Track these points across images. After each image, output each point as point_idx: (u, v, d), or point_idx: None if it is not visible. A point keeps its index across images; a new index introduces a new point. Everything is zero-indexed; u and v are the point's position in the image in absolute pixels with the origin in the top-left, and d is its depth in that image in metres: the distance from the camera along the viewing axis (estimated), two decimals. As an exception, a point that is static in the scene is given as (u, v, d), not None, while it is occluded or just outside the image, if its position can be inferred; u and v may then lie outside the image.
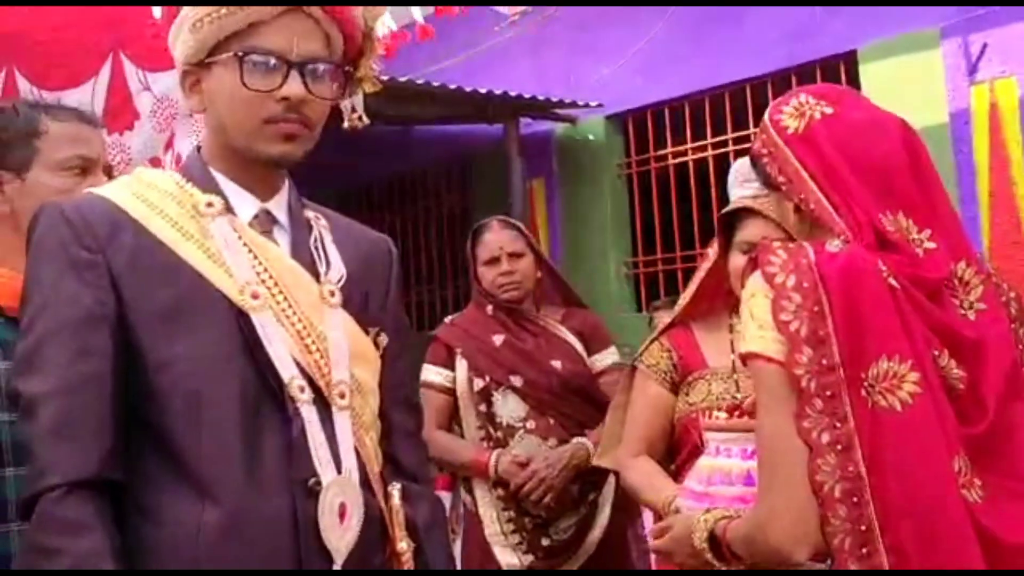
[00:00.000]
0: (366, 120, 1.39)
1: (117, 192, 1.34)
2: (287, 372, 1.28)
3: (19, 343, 1.27)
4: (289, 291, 1.32)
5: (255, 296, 1.29)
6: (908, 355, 1.27)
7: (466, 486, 2.88)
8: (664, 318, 4.31)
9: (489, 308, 2.89)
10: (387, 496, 1.37)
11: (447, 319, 3.01)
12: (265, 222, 1.38)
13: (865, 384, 1.26)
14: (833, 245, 1.33)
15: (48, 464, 1.19)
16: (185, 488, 1.23)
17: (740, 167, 2.15)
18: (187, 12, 1.30)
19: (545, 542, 2.74)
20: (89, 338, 1.23)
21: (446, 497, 5.31)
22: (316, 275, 1.37)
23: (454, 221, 6.91)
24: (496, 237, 2.89)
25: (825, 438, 1.26)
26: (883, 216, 1.34)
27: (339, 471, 1.28)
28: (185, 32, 1.31)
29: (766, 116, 1.45)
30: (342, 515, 1.27)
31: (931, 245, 1.34)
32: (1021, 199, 4.24)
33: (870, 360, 1.27)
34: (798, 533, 1.28)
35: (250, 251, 1.32)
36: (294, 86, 1.30)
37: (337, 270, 1.39)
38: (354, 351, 1.36)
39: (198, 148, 1.41)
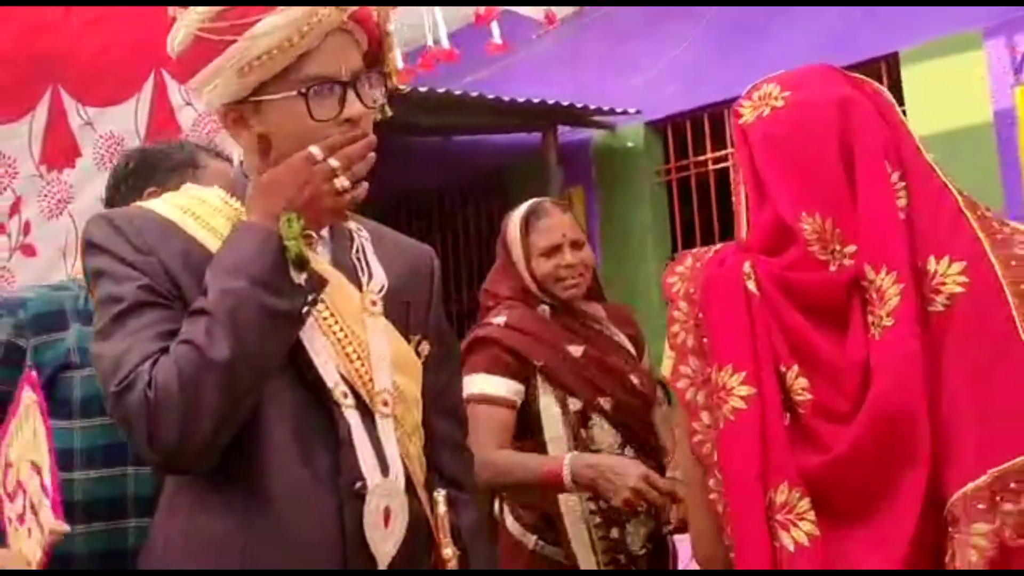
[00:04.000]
0: (389, 112, 1.40)
1: (163, 206, 1.36)
2: (330, 379, 1.29)
3: (97, 324, 1.28)
4: (331, 300, 1.33)
5: None
6: (743, 367, 1.15)
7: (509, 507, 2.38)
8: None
9: (544, 309, 2.39)
10: (432, 503, 1.37)
11: (494, 320, 2.39)
12: (308, 235, 1.38)
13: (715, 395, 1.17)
14: (729, 247, 1.26)
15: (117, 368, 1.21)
16: (238, 483, 1.25)
17: None
18: (231, 56, 1.29)
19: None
20: (166, 305, 1.25)
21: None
22: (358, 285, 1.38)
23: (493, 231, 6.90)
24: (557, 222, 2.41)
25: (715, 456, 1.17)
26: (804, 215, 1.20)
27: (384, 475, 1.29)
28: (229, 76, 1.30)
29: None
30: (387, 519, 1.28)
31: (849, 263, 1.19)
32: (1070, 200, 4.16)
33: (710, 369, 1.18)
34: (714, 553, 1.22)
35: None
36: (355, 107, 1.31)
37: (379, 280, 1.40)
38: (396, 360, 1.37)
39: (240, 163, 1.43)
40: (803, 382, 1.15)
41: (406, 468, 1.34)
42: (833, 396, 1.15)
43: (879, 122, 1.24)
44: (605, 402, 2.30)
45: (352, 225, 1.44)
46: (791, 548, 1.11)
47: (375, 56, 1.39)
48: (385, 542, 1.28)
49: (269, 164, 1.34)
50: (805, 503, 1.12)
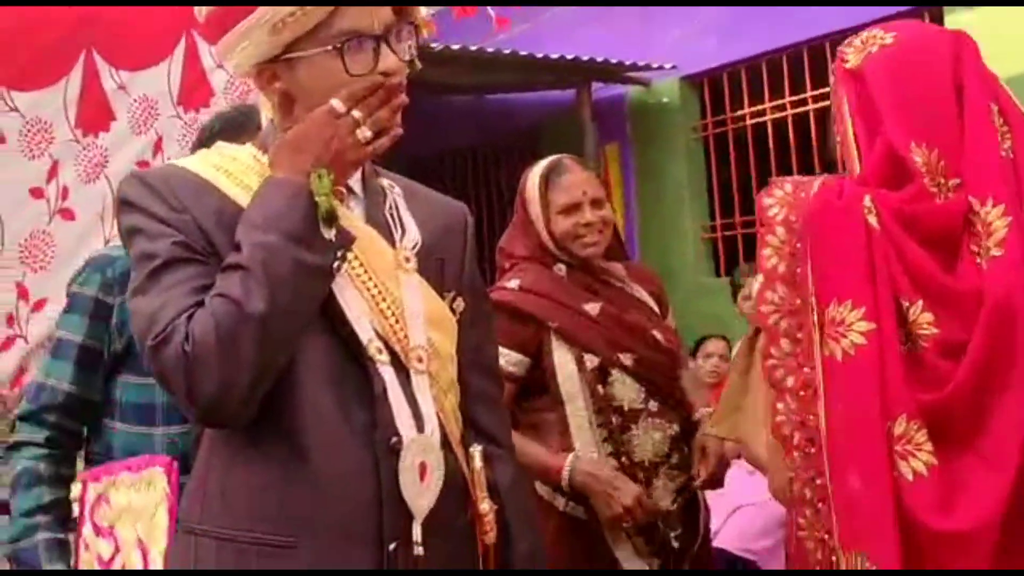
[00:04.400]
0: (419, 65, 1.38)
1: (196, 164, 1.36)
2: (365, 335, 1.29)
3: (134, 280, 1.29)
4: (365, 256, 1.33)
5: None
6: (863, 302, 1.16)
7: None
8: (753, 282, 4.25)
9: (561, 268, 2.33)
10: (468, 458, 1.38)
11: (507, 284, 2.33)
12: (341, 191, 1.37)
13: (824, 329, 1.18)
14: (836, 179, 1.26)
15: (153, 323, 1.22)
16: (275, 438, 1.26)
17: None
18: (263, 15, 1.28)
19: (674, 539, 2.25)
20: (201, 260, 1.26)
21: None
22: (392, 242, 1.37)
23: (528, 189, 6.88)
24: (578, 179, 2.35)
25: (789, 381, 1.20)
26: (914, 146, 1.21)
27: (420, 431, 1.29)
28: (262, 34, 1.29)
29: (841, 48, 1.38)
30: (423, 475, 1.29)
31: (953, 196, 1.22)
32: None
33: (826, 303, 1.18)
34: (783, 483, 1.26)
35: None
36: (389, 60, 1.30)
37: (412, 236, 1.39)
38: (430, 316, 1.36)
39: (271, 120, 1.42)
40: (928, 316, 1.17)
41: (441, 424, 1.34)
42: (955, 328, 1.17)
43: (984, 66, 1.27)
44: (626, 358, 2.26)
45: (384, 182, 1.44)
46: (910, 477, 1.13)
47: (403, 9, 1.37)
48: (422, 497, 1.28)
49: (293, 120, 1.33)
50: (922, 435, 1.14)
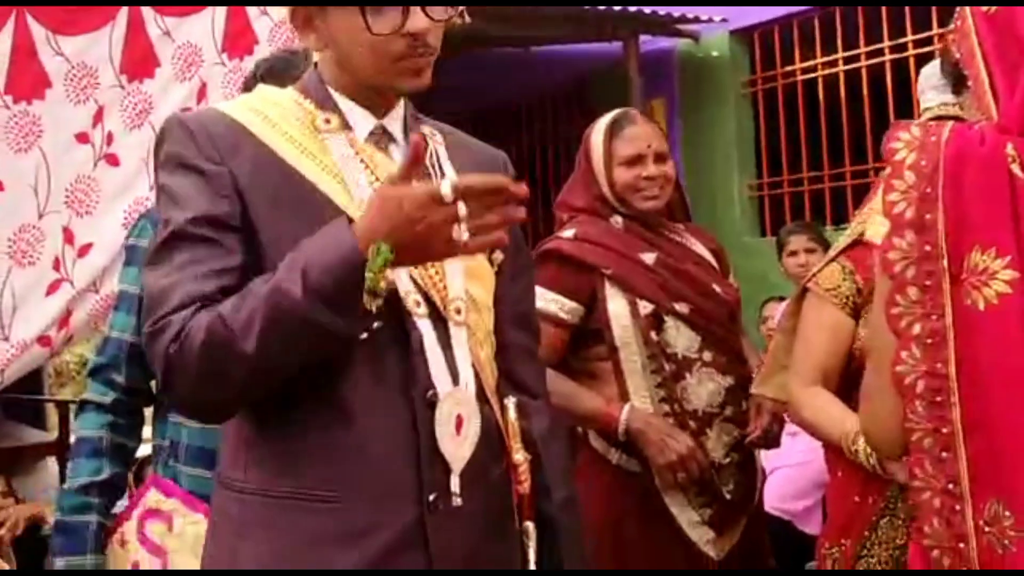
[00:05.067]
0: (467, 19, 1.35)
1: (237, 109, 1.35)
2: (403, 287, 1.29)
3: (150, 247, 1.30)
4: None
5: None
6: (1007, 250, 1.13)
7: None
8: (804, 243, 4.20)
9: (618, 220, 2.34)
10: (503, 409, 1.38)
11: (563, 234, 2.35)
12: (381, 138, 1.38)
13: (962, 277, 1.15)
14: (978, 125, 1.21)
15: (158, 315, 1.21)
16: (314, 396, 1.26)
17: (935, 68, 1.97)
18: None
19: (727, 492, 2.25)
20: (216, 237, 1.25)
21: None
22: None
23: (572, 144, 6.82)
24: (643, 132, 2.35)
25: (916, 329, 1.16)
26: None
27: (456, 383, 1.30)
28: None
29: None
30: (458, 427, 1.29)
31: None
32: None
33: (965, 250, 1.15)
34: (891, 434, 1.23)
35: (367, 167, 1.33)
36: (418, 20, 1.28)
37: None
38: (469, 267, 1.36)
39: (315, 65, 1.41)
40: None
41: (477, 376, 1.34)
42: None
43: None
44: (681, 306, 2.26)
45: (427, 130, 1.42)
46: None
47: None
48: (459, 447, 1.29)
49: (346, 73, 1.33)
50: None
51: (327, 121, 1.34)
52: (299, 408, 1.27)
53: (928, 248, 1.16)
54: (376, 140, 1.37)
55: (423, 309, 1.29)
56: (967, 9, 1.28)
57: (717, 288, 2.34)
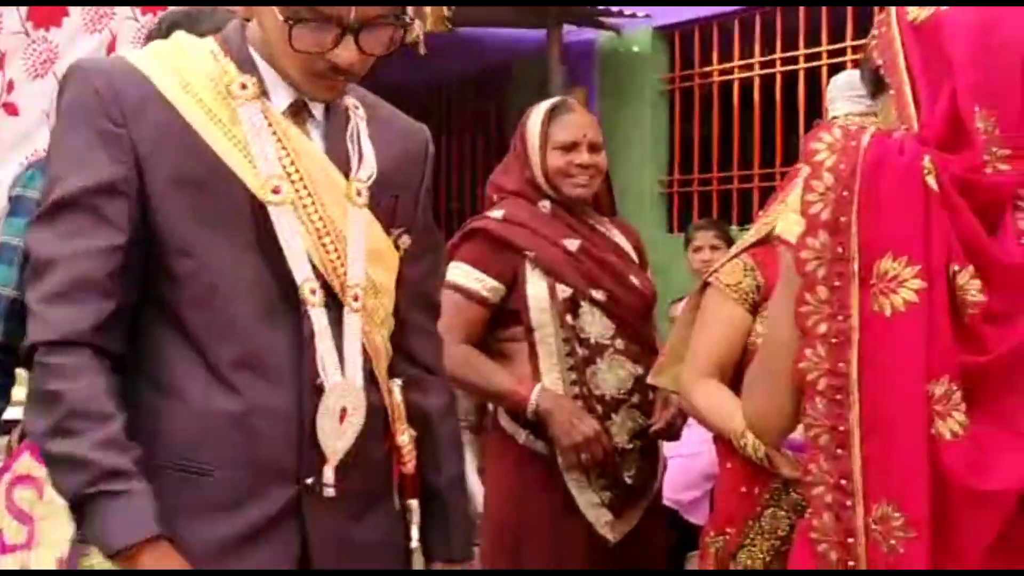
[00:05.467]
0: (423, 50, 1.33)
1: (150, 62, 1.29)
2: (300, 273, 1.28)
3: (40, 205, 1.27)
4: (315, 187, 1.30)
5: (276, 191, 1.27)
6: (918, 260, 1.16)
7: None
8: (710, 240, 4.28)
9: (545, 204, 2.38)
10: (390, 392, 1.38)
11: (491, 214, 2.40)
12: (300, 112, 1.34)
13: (871, 282, 1.18)
14: (898, 133, 1.24)
15: (46, 321, 1.22)
16: (201, 371, 1.26)
17: (848, 79, 2.02)
18: None
19: (627, 476, 2.32)
20: (107, 209, 1.22)
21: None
22: (348, 170, 1.34)
23: (489, 127, 6.83)
24: (580, 120, 2.40)
25: (822, 328, 1.19)
26: (979, 111, 1.20)
27: (344, 373, 1.29)
28: None
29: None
30: (342, 418, 1.29)
31: (1003, 167, 1.21)
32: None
33: (876, 256, 1.18)
34: (773, 424, 1.29)
35: (279, 141, 1.29)
36: (345, 54, 1.24)
37: (368, 167, 1.36)
38: (372, 252, 1.35)
39: (240, 20, 1.35)
40: (977, 283, 1.17)
41: (370, 360, 1.34)
42: (1000, 299, 1.18)
43: None
44: (598, 293, 2.32)
45: (350, 102, 1.39)
46: (948, 436, 1.15)
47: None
48: (340, 439, 1.29)
49: (255, 38, 1.29)
50: (958, 396, 1.16)
51: (243, 86, 1.29)
52: (186, 374, 1.26)
53: (840, 250, 1.19)
54: (294, 113, 1.33)
55: (319, 297, 1.28)
56: (892, 17, 1.29)
57: (635, 280, 2.40)
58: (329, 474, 1.28)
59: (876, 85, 1.33)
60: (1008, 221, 1.21)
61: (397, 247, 1.40)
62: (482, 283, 2.33)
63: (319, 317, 1.28)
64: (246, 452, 1.25)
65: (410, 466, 1.40)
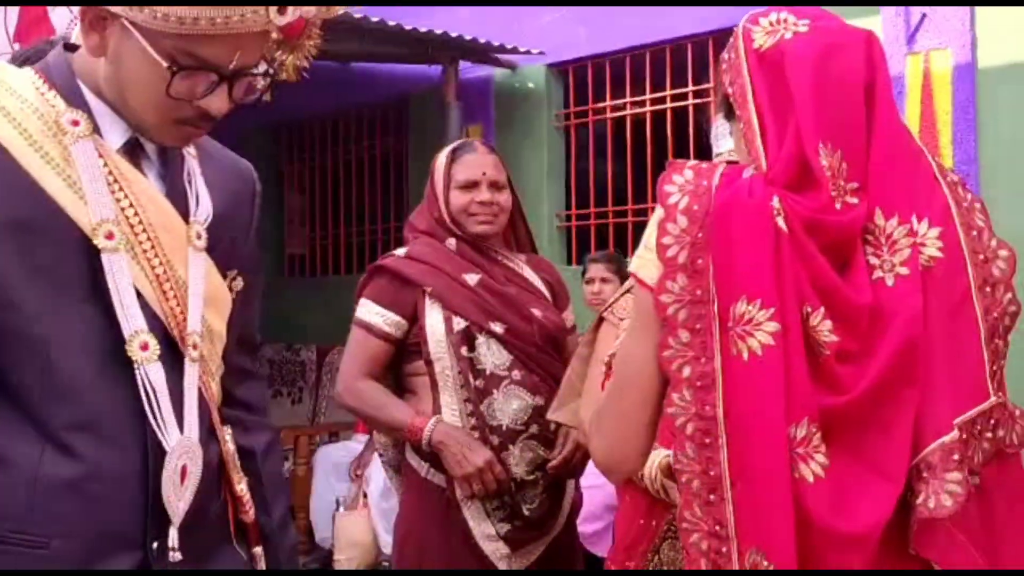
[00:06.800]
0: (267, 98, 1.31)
1: None
2: (130, 326, 1.21)
3: None
4: (154, 230, 1.25)
5: (110, 236, 1.20)
6: (771, 303, 1.15)
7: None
8: (601, 272, 4.33)
9: (451, 242, 2.46)
10: (223, 440, 1.36)
11: (396, 252, 2.50)
12: (135, 150, 1.28)
13: (728, 324, 1.17)
14: (747, 172, 1.23)
15: None
16: (32, 434, 1.18)
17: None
18: None
19: (527, 509, 2.35)
20: None
21: (362, 440, 5.31)
22: (185, 212, 1.30)
23: (388, 163, 6.80)
24: (480, 160, 2.49)
25: (686, 372, 1.18)
26: (822, 147, 1.19)
27: (183, 429, 1.25)
28: None
29: (740, 24, 1.31)
30: (183, 477, 1.24)
31: (852, 200, 1.20)
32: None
33: (732, 300, 1.17)
34: (623, 463, 1.29)
35: (116, 182, 1.23)
36: (217, 101, 1.21)
37: (205, 209, 1.32)
38: (209, 296, 1.31)
39: (66, 47, 1.28)
40: (828, 324, 1.17)
41: (208, 412, 1.31)
42: (852, 339, 1.17)
43: (888, 72, 1.27)
44: (496, 325, 2.37)
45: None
46: (810, 479, 1.15)
47: (277, 49, 1.27)
48: (180, 499, 1.24)
49: (112, 88, 1.22)
50: (818, 437, 1.15)
51: (74, 123, 1.20)
52: (12, 436, 1.17)
53: (699, 292, 1.18)
54: (128, 151, 1.26)
55: (151, 351, 1.21)
56: (740, 43, 1.28)
57: (537, 312, 2.44)
58: (174, 535, 1.22)
59: (728, 110, 1.32)
60: (859, 259, 1.20)
61: (231, 289, 1.36)
62: (384, 318, 2.40)
63: (154, 372, 1.22)
64: (86, 520, 1.18)
65: (251, 514, 1.38)
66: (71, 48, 1.29)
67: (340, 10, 1.27)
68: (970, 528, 1.19)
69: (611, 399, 1.30)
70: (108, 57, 1.21)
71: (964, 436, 1.17)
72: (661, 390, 1.23)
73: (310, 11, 1.21)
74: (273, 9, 1.15)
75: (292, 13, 1.17)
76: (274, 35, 1.23)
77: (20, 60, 1.69)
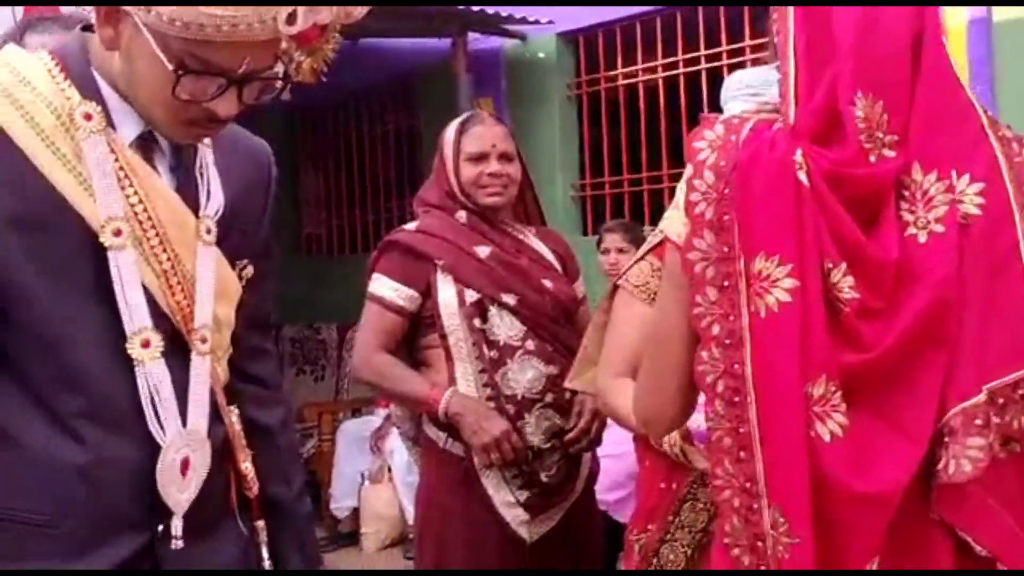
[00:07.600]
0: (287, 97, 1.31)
1: None
2: (133, 324, 1.23)
3: None
4: (163, 226, 1.26)
5: (117, 233, 1.21)
6: (790, 259, 1.14)
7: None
8: (616, 242, 4.32)
9: (462, 215, 2.48)
10: (230, 421, 1.38)
11: (407, 227, 2.54)
12: (147, 144, 1.28)
13: (751, 280, 1.16)
14: (777, 125, 1.21)
15: None
16: (41, 416, 1.21)
17: (740, 77, 2.05)
18: None
19: (544, 476, 2.39)
20: None
21: (382, 413, 5.35)
22: (196, 206, 1.30)
23: (400, 139, 6.80)
24: (489, 132, 2.51)
25: (715, 330, 1.18)
26: (861, 97, 1.15)
27: (187, 422, 1.27)
28: None
29: None
30: (184, 469, 1.26)
31: (889, 153, 1.16)
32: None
33: (752, 255, 1.16)
34: (662, 421, 1.31)
35: (127, 178, 1.24)
36: (225, 105, 1.20)
37: (216, 202, 1.33)
38: (219, 289, 1.32)
39: (84, 28, 1.27)
40: (850, 280, 1.15)
41: (214, 399, 1.32)
42: (875, 296, 1.15)
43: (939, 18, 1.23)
44: (508, 297, 2.40)
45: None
46: (827, 438, 1.13)
47: (296, 50, 1.26)
48: (183, 491, 1.26)
49: (124, 81, 1.22)
50: (838, 396, 1.14)
51: (87, 116, 1.20)
52: (29, 424, 1.21)
53: (726, 249, 1.17)
54: (141, 145, 1.26)
55: (153, 348, 1.23)
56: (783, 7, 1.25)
57: (548, 283, 2.48)
58: (177, 525, 1.25)
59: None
60: (889, 214, 1.17)
61: (240, 277, 1.37)
62: (397, 292, 2.43)
63: (156, 369, 1.23)
64: (92, 503, 1.22)
65: (255, 490, 1.40)
66: (88, 28, 1.28)
67: (359, 12, 1.24)
68: (1006, 493, 1.17)
69: (649, 358, 1.32)
70: (121, 52, 1.21)
71: (1002, 401, 1.14)
72: (695, 347, 1.23)
73: (325, 17, 1.19)
74: (281, 19, 1.13)
75: (303, 22, 1.15)
76: (284, 44, 1.23)
77: (21, 30, 1.68)
